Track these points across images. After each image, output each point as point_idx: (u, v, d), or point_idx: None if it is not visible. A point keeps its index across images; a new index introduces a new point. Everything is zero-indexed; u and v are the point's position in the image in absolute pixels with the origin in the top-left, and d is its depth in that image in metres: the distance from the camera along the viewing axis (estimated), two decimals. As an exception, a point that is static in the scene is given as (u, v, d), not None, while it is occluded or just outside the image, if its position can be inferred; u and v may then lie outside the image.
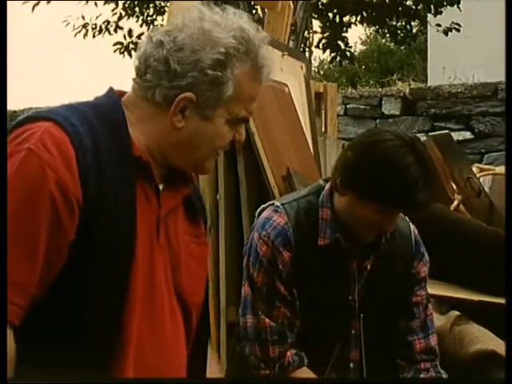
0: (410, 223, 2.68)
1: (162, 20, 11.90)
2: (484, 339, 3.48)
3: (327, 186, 2.55)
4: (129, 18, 12.06)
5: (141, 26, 12.11)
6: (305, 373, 2.51)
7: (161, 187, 1.74)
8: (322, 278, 2.53)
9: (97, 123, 1.67)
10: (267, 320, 2.52)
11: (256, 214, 2.65)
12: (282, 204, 2.57)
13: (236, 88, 1.72)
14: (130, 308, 1.64)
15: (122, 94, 1.78)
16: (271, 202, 2.64)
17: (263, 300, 2.53)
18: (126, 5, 11.84)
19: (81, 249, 1.59)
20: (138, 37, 11.83)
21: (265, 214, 2.58)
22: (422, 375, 2.62)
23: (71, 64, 26.79)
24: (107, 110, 1.71)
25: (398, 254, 2.60)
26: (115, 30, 11.94)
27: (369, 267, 2.56)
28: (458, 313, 3.72)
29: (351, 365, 2.59)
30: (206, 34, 1.70)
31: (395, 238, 2.59)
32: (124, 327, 1.64)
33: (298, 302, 2.54)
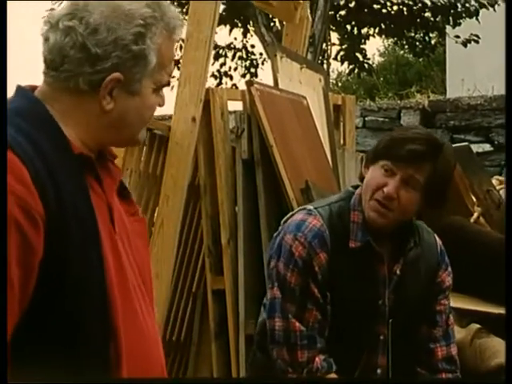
0: (435, 235, 2.70)
1: (181, 33, 11.92)
2: (505, 353, 3.45)
3: (358, 191, 2.60)
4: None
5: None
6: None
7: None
8: (353, 282, 2.54)
9: (29, 129, 1.59)
10: (297, 324, 2.51)
11: (282, 222, 2.64)
12: (315, 208, 2.58)
13: (158, 56, 1.68)
14: (113, 306, 1.61)
15: (33, 88, 1.69)
16: (302, 207, 2.65)
17: (295, 302, 2.52)
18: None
19: (53, 263, 1.55)
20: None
21: (297, 217, 2.58)
22: None
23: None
24: (31, 112, 1.63)
25: (423, 262, 2.64)
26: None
27: (398, 272, 2.58)
28: (478, 326, 3.70)
29: (378, 371, 2.59)
30: (117, 8, 1.63)
31: (421, 246, 2.63)
32: (112, 325, 1.61)
33: (329, 306, 2.54)
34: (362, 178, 2.58)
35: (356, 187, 2.64)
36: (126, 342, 1.63)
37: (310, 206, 2.62)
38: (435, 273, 2.66)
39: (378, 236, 2.54)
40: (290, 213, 2.68)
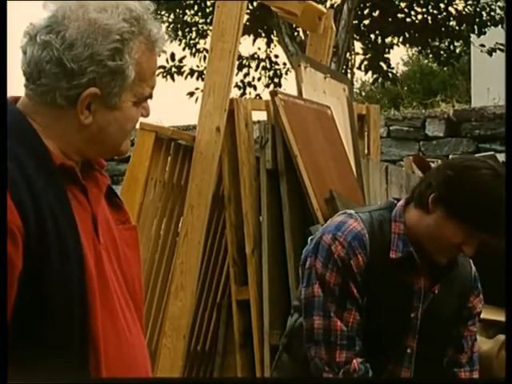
0: (471, 261, 2.71)
1: (205, 43, 11.98)
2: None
3: (400, 203, 2.58)
4: (172, 41, 12.16)
5: (183, 49, 12.19)
6: None
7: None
8: (388, 291, 2.53)
9: (9, 142, 1.59)
10: (339, 323, 2.49)
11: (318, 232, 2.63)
12: (356, 213, 2.58)
13: (137, 70, 1.65)
14: (93, 317, 1.61)
15: (16, 100, 1.69)
16: (342, 211, 2.64)
17: (335, 301, 2.50)
18: (170, 28, 11.95)
19: (32, 276, 1.55)
20: (180, 60, 11.91)
21: (337, 218, 2.57)
22: None
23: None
24: (11, 125, 1.62)
25: (458, 285, 2.63)
26: (158, 54, 12.03)
27: (436, 291, 2.57)
28: (505, 336, 3.67)
29: None
30: (93, 23, 1.61)
31: (457, 269, 2.63)
32: (91, 334, 1.61)
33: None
34: (422, 205, 2.51)
35: (397, 199, 2.63)
36: (106, 351, 1.63)
37: (350, 211, 2.61)
38: (467, 297, 2.65)
39: (418, 250, 2.53)
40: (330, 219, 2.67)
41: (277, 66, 12.45)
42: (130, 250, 1.77)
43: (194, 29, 12.36)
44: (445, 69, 15.57)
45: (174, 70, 12.02)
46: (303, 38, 10.61)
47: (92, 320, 1.61)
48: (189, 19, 12.44)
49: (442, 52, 12.31)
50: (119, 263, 1.72)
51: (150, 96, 1.71)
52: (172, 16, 12.23)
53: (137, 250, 1.80)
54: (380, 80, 11.95)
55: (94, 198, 1.69)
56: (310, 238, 2.62)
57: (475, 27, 11.29)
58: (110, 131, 1.67)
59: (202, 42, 12.27)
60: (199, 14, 12.28)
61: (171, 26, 12.14)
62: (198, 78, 11.77)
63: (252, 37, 11.84)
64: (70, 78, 1.61)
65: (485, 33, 11.30)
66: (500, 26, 11.15)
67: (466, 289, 2.65)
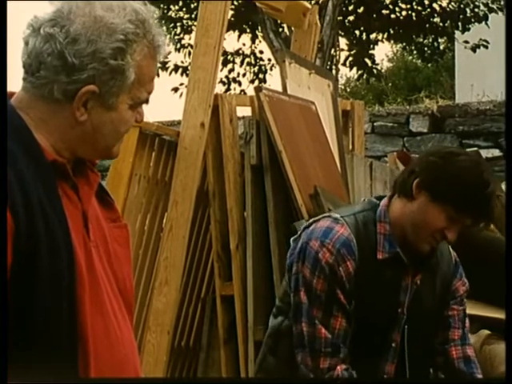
0: (450, 246, 2.73)
1: (190, 39, 11.95)
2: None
3: (383, 202, 2.59)
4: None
5: (168, 45, 12.15)
6: None
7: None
8: (378, 291, 2.54)
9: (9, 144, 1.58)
10: (323, 330, 2.50)
11: (302, 228, 2.63)
12: (342, 216, 2.58)
13: (137, 73, 1.66)
14: (82, 313, 1.61)
15: (10, 95, 1.68)
16: (326, 215, 2.64)
17: (321, 308, 2.51)
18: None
19: (21, 271, 1.54)
20: (165, 56, 11.87)
21: (323, 223, 2.56)
22: None
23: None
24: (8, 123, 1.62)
25: (439, 272, 2.66)
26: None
27: (419, 282, 2.59)
28: (488, 332, 3.69)
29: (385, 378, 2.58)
30: (99, 21, 1.62)
31: (437, 257, 2.65)
32: (80, 331, 1.61)
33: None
34: (405, 193, 2.54)
35: (379, 198, 2.63)
36: (95, 347, 1.63)
37: (335, 215, 2.60)
38: (450, 283, 2.68)
39: (404, 247, 2.55)
40: (312, 219, 2.66)
41: (262, 62, 12.44)
42: (121, 248, 1.76)
43: (178, 24, 12.34)
44: (429, 65, 15.62)
45: (158, 65, 11.95)
46: (288, 33, 10.61)
47: (81, 316, 1.61)
48: (173, 14, 12.42)
49: (426, 48, 12.34)
50: (109, 261, 1.71)
51: (147, 101, 1.71)
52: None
53: (127, 248, 1.79)
54: (365, 76, 11.96)
55: (85, 195, 1.69)
56: (292, 239, 2.61)
57: (459, 24, 11.32)
58: (104, 131, 1.67)
59: (186, 37, 12.25)
60: (184, 9, 12.26)
61: (156, 21, 12.10)
62: (182, 74, 11.75)
63: (237, 32, 11.83)
64: (70, 72, 1.61)
65: (469, 29, 11.33)
66: (484, 22, 11.19)
67: (447, 275, 2.67)
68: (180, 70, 11.86)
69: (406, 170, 2.64)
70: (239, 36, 11.97)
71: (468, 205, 2.47)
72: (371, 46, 12.01)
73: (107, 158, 1.77)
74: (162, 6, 12.02)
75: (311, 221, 2.65)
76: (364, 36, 11.85)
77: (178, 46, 12.13)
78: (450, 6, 11.57)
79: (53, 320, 1.58)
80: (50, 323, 1.58)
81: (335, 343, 2.50)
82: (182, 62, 11.93)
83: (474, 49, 11.26)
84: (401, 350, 2.59)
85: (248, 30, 12.03)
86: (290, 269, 2.58)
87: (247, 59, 12.39)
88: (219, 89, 11.27)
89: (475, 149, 5.07)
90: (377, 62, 12.33)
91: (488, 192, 2.48)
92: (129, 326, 1.74)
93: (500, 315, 3.70)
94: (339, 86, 14.93)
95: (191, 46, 9.64)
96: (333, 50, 11.20)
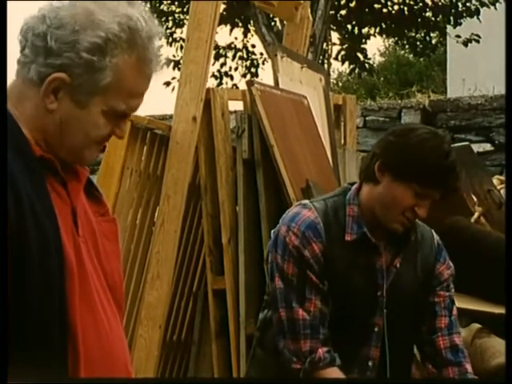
0: (433, 231, 2.72)
1: (181, 33, 11.94)
2: (505, 353, 3.45)
3: (354, 186, 2.62)
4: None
5: (160, 38, 12.13)
6: (335, 373, 2.50)
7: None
8: (350, 273, 2.55)
9: None
10: (301, 311, 2.52)
11: (280, 221, 2.65)
12: (311, 202, 2.62)
13: (116, 78, 1.62)
14: (72, 309, 1.61)
15: None
16: (298, 203, 2.68)
17: (295, 291, 2.53)
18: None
19: (11, 267, 1.54)
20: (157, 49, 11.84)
21: (293, 210, 2.61)
22: None
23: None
24: None
25: (420, 255, 2.65)
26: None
27: (398, 265, 2.59)
28: (479, 326, 3.70)
29: (370, 363, 2.59)
30: (89, 14, 1.62)
31: (418, 241, 2.65)
32: (70, 328, 1.61)
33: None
34: (370, 177, 2.55)
35: (352, 184, 2.65)
36: (84, 343, 1.62)
37: (305, 201, 2.65)
38: (433, 266, 2.66)
39: (374, 228, 2.55)
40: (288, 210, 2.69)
41: (254, 56, 12.43)
42: (110, 243, 1.76)
43: (170, 18, 12.32)
44: (421, 59, 15.63)
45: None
46: (280, 27, 10.60)
47: (71, 314, 1.61)
48: (165, 8, 12.40)
49: (418, 43, 12.34)
50: (98, 256, 1.71)
51: (124, 115, 1.67)
52: (148, 5, 12.16)
53: (116, 243, 1.79)
54: (357, 70, 11.96)
55: (74, 190, 1.68)
56: (272, 231, 2.64)
57: (451, 18, 11.32)
58: (71, 128, 1.64)
59: (178, 31, 12.23)
60: (176, 3, 12.24)
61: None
62: (174, 68, 11.73)
63: (229, 26, 11.82)
64: (47, 55, 1.62)
65: (460, 24, 11.34)
66: (475, 16, 11.19)
67: (430, 258, 2.67)
68: (172, 64, 11.84)
69: (367, 154, 2.65)
70: (231, 30, 11.95)
71: (431, 178, 2.47)
72: (363, 40, 12.01)
73: (78, 163, 1.70)
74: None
75: (287, 211, 2.67)
76: (356, 30, 11.85)
77: (170, 39, 12.12)
78: (441, 0, 11.58)
79: (43, 317, 1.58)
80: (41, 320, 1.58)
81: (313, 324, 2.52)
82: (174, 56, 11.91)
83: (465, 43, 11.27)
84: (384, 335, 2.59)
85: (240, 24, 12.01)
86: (267, 259, 2.63)
87: (239, 53, 12.37)
88: (211, 83, 11.25)
89: (467, 143, 5.07)
90: (369, 56, 12.33)
91: (448, 161, 2.47)
92: (118, 322, 1.73)
93: (490, 309, 3.72)
94: (331, 81, 14.93)
95: (183, 40, 9.60)
96: (325, 45, 11.20)
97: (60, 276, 1.60)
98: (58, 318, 1.59)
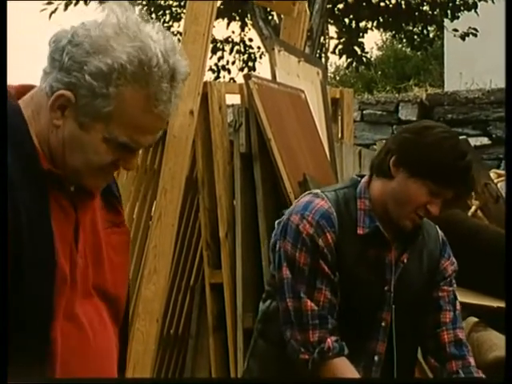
0: (437, 227, 2.73)
1: (179, 26, 11.92)
2: (502, 346, 3.46)
3: (364, 179, 2.61)
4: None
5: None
6: (344, 364, 2.49)
7: (72, 189, 1.67)
8: (359, 267, 2.54)
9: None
10: (309, 302, 2.50)
11: (286, 212, 2.63)
12: (322, 192, 2.60)
13: (118, 109, 1.59)
14: (55, 321, 1.62)
15: (23, 90, 1.68)
16: (308, 192, 2.65)
17: (305, 281, 2.51)
18: (143, 11, 11.87)
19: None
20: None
21: (304, 199, 2.58)
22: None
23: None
24: (8, 121, 1.60)
25: (426, 252, 2.66)
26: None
27: (405, 261, 2.59)
28: (476, 319, 3.71)
29: (376, 358, 2.59)
30: (106, 38, 1.60)
31: (424, 237, 2.65)
32: (51, 340, 1.62)
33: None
34: (383, 172, 2.54)
35: (361, 176, 2.65)
36: (65, 362, 1.63)
37: (316, 190, 2.62)
38: (437, 262, 2.67)
39: (385, 223, 2.55)
40: (296, 200, 2.67)
41: (251, 50, 12.43)
42: (117, 255, 1.75)
43: (167, 12, 12.31)
44: (418, 53, 15.61)
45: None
46: (277, 21, 10.59)
47: (53, 328, 1.61)
48: (162, 2, 12.39)
49: (415, 36, 12.33)
50: (100, 270, 1.71)
51: (129, 147, 1.63)
52: (145, -1, 12.16)
53: (125, 255, 1.78)
54: (354, 64, 11.95)
55: (82, 205, 1.68)
56: (277, 222, 2.63)
57: (448, 12, 11.32)
58: (72, 148, 1.63)
59: (175, 25, 12.22)
60: (173, -4, 12.23)
61: (145, 8, 12.08)
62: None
63: (226, 20, 11.80)
64: (60, 70, 1.61)
65: (458, 17, 11.33)
66: (473, 10, 11.19)
67: (435, 254, 2.67)
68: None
69: (381, 149, 2.63)
70: (228, 24, 11.94)
71: (446, 176, 2.47)
72: (361, 34, 12.00)
73: (81, 185, 1.68)
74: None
75: (295, 202, 2.66)
76: (353, 24, 11.84)
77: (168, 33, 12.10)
78: (439, -6, 11.57)
79: (26, 330, 1.58)
80: (23, 332, 1.57)
81: (322, 314, 2.50)
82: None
83: (463, 37, 11.26)
84: (391, 329, 2.59)
85: (237, 18, 12.00)
86: (273, 248, 2.59)
87: (236, 47, 12.37)
88: (208, 77, 11.24)
89: (464, 137, 5.07)
90: (366, 50, 12.32)
91: (465, 162, 2.48)
92: (109, 335, 1.73)
93: (487, 303, 3.72)
94: (328, 75, 14.91)
95: (180, 34, 9.61)
96: (322, 38, 11.19)
97: (48, 295, 1.60)
98: (39, 332, 1.59)
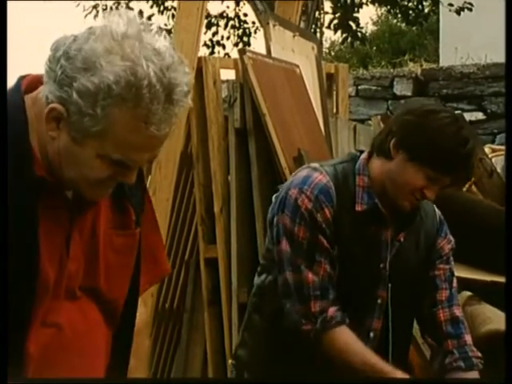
0: (435, 206, 2.73)
1: (173, 1, 11.86)
2: (495, 319, 3.48)
3: (363, 156, 2.59)
4: (139, -1, 12.04)
5: (151, 7, 12.07)
6: (346, 332, 2.50)
7: (70, 195, 1.65)
8: (356, 243, 2.55)
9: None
10: (310, 274, 2.51)
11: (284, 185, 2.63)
12: (321, 166, 2.59)
13: (108, 128, 1.53)
14: (30, 333, 1.61)
15: (35, 84, 1.63)
16: (306, 166, 2.64)
17: (304, 254, 2.51)
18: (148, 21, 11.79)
19: None
20: (149, 18, 11.79)
21: (302, 173, 2.57)
22: (447, 359, 2.60)
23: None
24: (8, 119, 1.57)
25: (423, 231, 2.66)
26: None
27: (402, 239, 2.60)
28: (469, 293, 3.72)
29: (371, 334, 2.60)
30: (95, 55, 1.52)
31: (421, 216, 2.65)
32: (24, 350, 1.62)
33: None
34: (383, 152, 2.53)
35: (359, 151, 2.64)
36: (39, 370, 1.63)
37: (315, 164, 2.61)
38: (434, 241, 2.67)
39: (383, 201, 2.55)
40: (293, 173, 2.66)
41: (246, 25, 12.37)
42: (119, 258, 1.73)
43: (161, -14, 12.24)
44: (413, 28, 15.56)
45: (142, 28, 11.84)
46: (272, -4, 10.54)
47: (26, 341, 1.61)
48: (157, -23, 12.31)
49: (410, 11, 12.28)
50: (93, 271, 1.69)
51: (123, 164, 1.59)
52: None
53: (128, 256, 1.76)
54: (349, 39, 11.91)
55: (81, 207, 1.66)
56: (274, 196, 2.62)
57: (444, -14, 11.27)
58: (68, 161, 1.59)
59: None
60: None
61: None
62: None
63: (221, -5, 11.75)
64: (53, 82, 1.56)
65: (453, -8, 11.29)
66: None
67: (431, 233, 2.67)
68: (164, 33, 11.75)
69: (383, 129, 2.62)
70: (223, -2, 11.89)
71: (446, 164, 2.45)
72: (356, 9, 11.94)
73: (82, 195, 1.64)
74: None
75: (292, 174, 2.66)
76: (348, -1, 11.79)
77: (162, 8, 12.05)
78: (434, -32, 11.52)
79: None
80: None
81: (323, 286, 2.51)
82: (166, 25, 11.84)
83: (458, 12, 11.21)
84: (387, 307, 2.60)
85: (232, -7, 11.95)
86: (271, 223, 2.59)
87: (231, 22, 12.31)
88: (203, 52, 11.21)
89: (459, 112, 5.07)
90: (361, 25, 12.26)
91: (467, 149, 2.46)
92: (96, 336, 1.72)
93: (482, 277, 3.74)
94: (324, 50, 14.87)
95: (175, 9, 9.54)
96: (317, 13, 11.14)
97: (26, 306, 1.59)
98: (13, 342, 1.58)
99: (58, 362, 1.66)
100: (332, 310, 2.50)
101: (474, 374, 2.60)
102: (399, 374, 2.43)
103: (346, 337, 2.50)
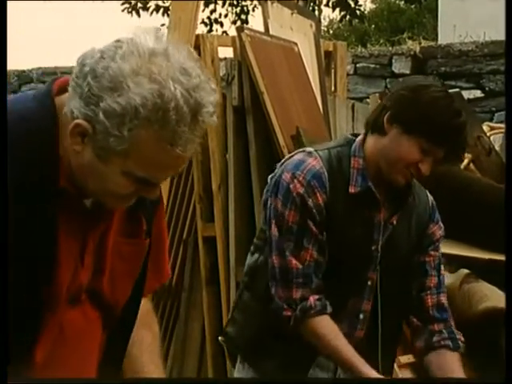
0: (427, 191, 2.74)
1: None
2: (493, 297, 3.49)
3: (358, 138, 2.60)
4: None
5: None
6: (326, 322, 2.52)
7: (88, 204, 1.66)
8: (349, 226, 2.56)
9: (22, 148, 1.55)
10: (294, 261, 2.53)
11: (278, 165, 2.64)
12: (315, 150, 2.60)
13: (133, 148, 1.53)
14: (38, 344, 1.63)
15: (64, 84, 1.61)
16: (301, 149, 2.65)
17: (292, 239, 2.53)
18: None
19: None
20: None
21: (296, 157, 2.59)
22: (435, 337, 2.64)
23: (79, 27, 26.74)
24: (35, 125, 1.57)
25: (416, 215, 2.67)
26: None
27: (395, 222, 2.61)
28: (467, 271, 3.74)
29: (361, 316, 2.62)
30: (121, 75, 1.51)
31: (414, 200, 2.66)
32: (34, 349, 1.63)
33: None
34: (377, 128, 2.54)
35: (355, 135, 2.65)
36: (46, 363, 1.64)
37: (310, 149, 2.62)
38: (426, 226, 2.69)
39: (377, 183, 2.56)
40: (288, 155, 2.68)
41: (243, 3, 12.35)
42: (125, 265, 1.75)
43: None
44: (412, 6, 15.51)
45: (139, 5, 11.85)
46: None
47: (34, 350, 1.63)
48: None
49: (409, -11, 12.25)
50: (99, 277, 1.71)
51: (148, 182, 1.59)
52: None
53: (131, 264, 1.77)
54: (347, 17, 11.90)
55: (98, 217, 1.67)
56: (270, 177, 2.64)
57: (443, -36, 11.22)
58: (92, 175, 1.59)
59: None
60: None
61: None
62: (163, 14, 11.64)
63: (219, -28, 11.71)
64: (79, 98, 1.54)
65: (452, -31, 11.24)
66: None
67: (424, 218, 2.68)
68: (161, 10, 11.74)
69: (377, 106, 2.64)
70: (221, -24, 11.85)
71: (439, 135, 2.46)
72: (354, -14, 11.92)
73: (105, 204, 1.66)
74: None
75: (287, 157, 2.66)
76: (347, -24, 11.75)
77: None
78: None
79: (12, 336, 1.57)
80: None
81: (307, 273, 2.53)
82: (163, 2, 11.82)
83: (457, -11, 11.18)
84: (377, 289, 2.62)
85: (230, -30, 11.90)
86: (265, 204, 2.61)
87: (229, 0, 12.27)
88: (201, 30, 11.17)
89: (457, 90, 5.06)
90: (360, 3, 12.26)
91: (459, 121, 2.48)
92: (94, 340, 1.74)
93: (479, 255, 3.75)
94: (322, 28, 14.82)
95: (172, -14, 9.54)
96: (315, -9, 11.10)
97: (39, 309, 1.61)
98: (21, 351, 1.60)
99: (57, 362, 1.67)
100: (312, 299, 2.52)
101: (456, 356, 2.64)
102: (373, 374, 2.44)
103: (324, 327, 2.51)
